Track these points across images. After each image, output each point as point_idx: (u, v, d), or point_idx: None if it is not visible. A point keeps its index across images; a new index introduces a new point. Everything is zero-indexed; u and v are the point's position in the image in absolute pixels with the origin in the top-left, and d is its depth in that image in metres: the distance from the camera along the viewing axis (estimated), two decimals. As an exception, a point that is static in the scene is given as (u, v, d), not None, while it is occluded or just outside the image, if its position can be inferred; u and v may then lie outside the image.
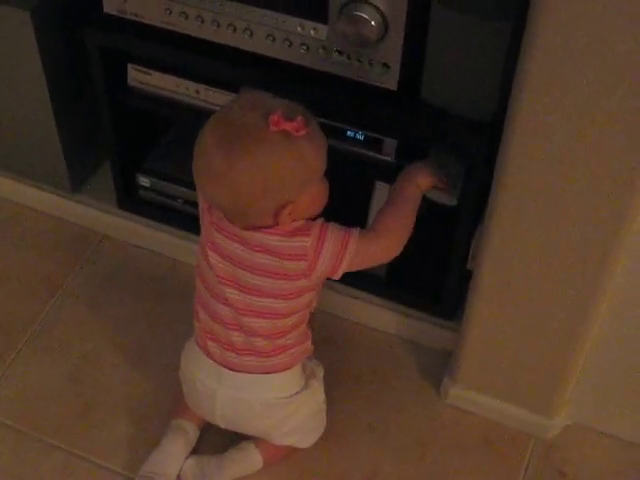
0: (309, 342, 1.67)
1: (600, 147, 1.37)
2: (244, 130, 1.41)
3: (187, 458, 1.75)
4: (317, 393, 1.73)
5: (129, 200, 2.09)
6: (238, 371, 1.63)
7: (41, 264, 2.11)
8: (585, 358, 1.72)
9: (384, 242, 1.58)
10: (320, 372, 1.75)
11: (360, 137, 1.71)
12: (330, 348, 1.96)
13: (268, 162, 1.41)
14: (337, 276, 1.53)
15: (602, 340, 1.68)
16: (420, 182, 1.61)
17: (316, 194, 1.51)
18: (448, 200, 1.64)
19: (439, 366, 1.93)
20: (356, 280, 1.93)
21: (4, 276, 2.09)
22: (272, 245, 1.50)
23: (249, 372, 1.63)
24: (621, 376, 1.75)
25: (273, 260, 1.51)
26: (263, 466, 1.77)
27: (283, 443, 1.74)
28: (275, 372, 1.64)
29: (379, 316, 1.98)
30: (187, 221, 2.03)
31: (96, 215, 2.14)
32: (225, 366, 1.64)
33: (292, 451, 1.78)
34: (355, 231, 1.53)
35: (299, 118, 1.41)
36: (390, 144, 1.70)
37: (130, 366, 1.93)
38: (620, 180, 1.39)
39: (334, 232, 1.51)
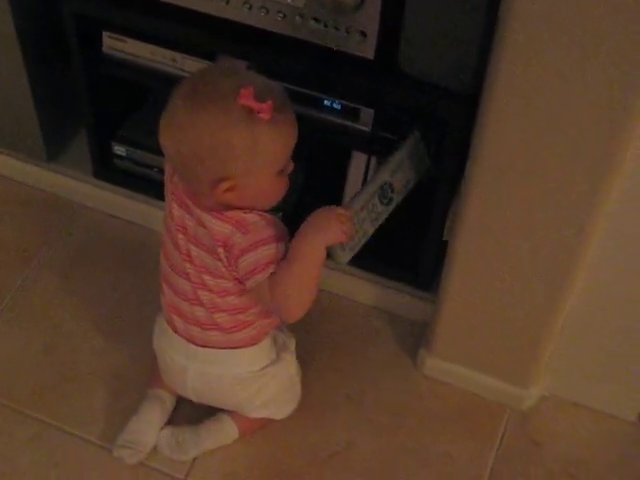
0: (274, 316, 1.62)
1: (578, 117, 1.36)
2: (214, 92, 1.39)
3: (162, 428, 1.74)
4: (289, 366, 1.72)
5: (105, 169, 2.07)
6: (205, 346, 1.62)
7: (15, 234, 2.09)
8: (561, 329, 1.72)
9: (282, 307, 1.51)
10: (292, 344, 1.73)
11: (337, 106, 1.70)
12: (306, 319, 1.94)
13: (220, 130, 1.38)
14: (249, 283, 1.47)
15: (578, 312, 1.69)
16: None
17: (266, 185, 1.45)
18: (340, 256, 1.59)
19: (416, 337, 1.93)
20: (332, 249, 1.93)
21: (-22, 246, 2.08)
22: (208, 224, 1.47)
23: (216, 347, 1.62)
24: (596, 348, 1.75)
25: (203, 232, 1.49)
26: (239, 436, 1.77)
27: (256, 416, 1.74)
28: (242, 347, 1.62)
29: (356, 287, 1.98)
30: (162, 190, 2.00)
31: (72, 184, 2.13)
32: (191, 341, 1.63)
33: (268, 422, 1.77)
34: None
35: (269, 102, 1.38)
36: (367, 114, 1.69)
37: (105, 337, 1.92)
38: (598, 151, 1.39)
39: (265, 253, 1.45)
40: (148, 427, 1.74)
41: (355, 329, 1.96)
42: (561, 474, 1.77)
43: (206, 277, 1.53)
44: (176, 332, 1.64)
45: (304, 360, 1.84)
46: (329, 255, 1.52)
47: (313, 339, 1.92)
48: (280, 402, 1.75)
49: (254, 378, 1.66)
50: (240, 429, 1.76)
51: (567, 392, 1.86)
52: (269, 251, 1.46)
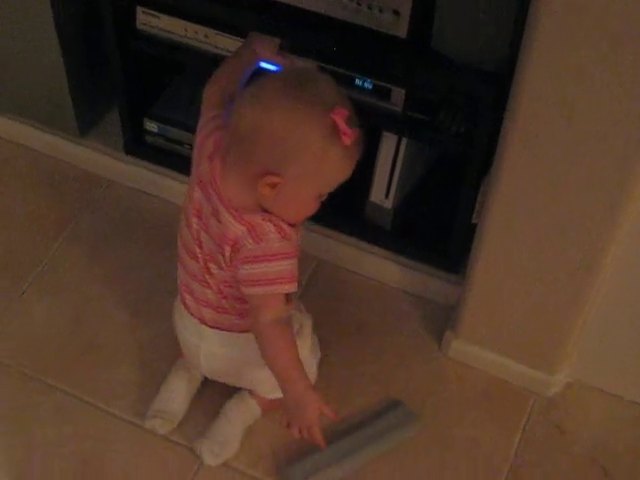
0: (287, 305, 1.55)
1: (611, 95, 1.35)
2: (316, 95, 1.38)
3: (199, 444, 1.73)
4: (302, 347, 1.66)
5: (136, 145, 2.08)
6: (217, 328, 1.62)
7: (48, 207, 2.11)
8: (588, 315, 1.71)
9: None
10: (308, 325, 1.71)
11: (368, 86, 1.70)
12: (333, 299, 1.96)
13: (302, 128, 1.37)
14: (244, 289, 1.48)
15: (605, 298, 1.68)
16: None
17: (302, 200, 1.45)
18: None
19: (443, 320, 1.92)
20: (361, 231, 1.93)
21: (11, 218, 2.09)
22: (223, 220, 1.46)
23: (228, 330, 1.61)
24: (623, 335, 1.74)
25: (217, 225, 1.48)
26: (261, 414, 1.77)
27: (272, 397, 1.72)
28: (247, 331, 1.59)
29: (384, 268, 1.97)
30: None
31: (103, 160, 2.14)
32: (204, 322, 1.62)
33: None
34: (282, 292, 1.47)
35: (356, 132, 1.39)
36: (398, 93, 1.68)
37: (133, 310, 1.93)
38: (632, 132, 1.37)
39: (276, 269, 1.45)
40: (178, 396, 1.75)
41: (382, 311, 1.96)
42: (585, 461, 1.77)
43: (211, 265, 1.53)
44: (189, 311, 1.64)
45: (329, 341, 1.84)
46: None
47: (339, 320, 1.92)
48: None
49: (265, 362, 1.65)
50: (262, 406, 1.77)
51: (593, 379, 1.84)
52: (276, 268, 1.45)
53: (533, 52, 1.36)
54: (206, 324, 1.62)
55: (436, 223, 1.93)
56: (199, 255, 1.55)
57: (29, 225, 2.08)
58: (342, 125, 1.36)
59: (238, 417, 1.75)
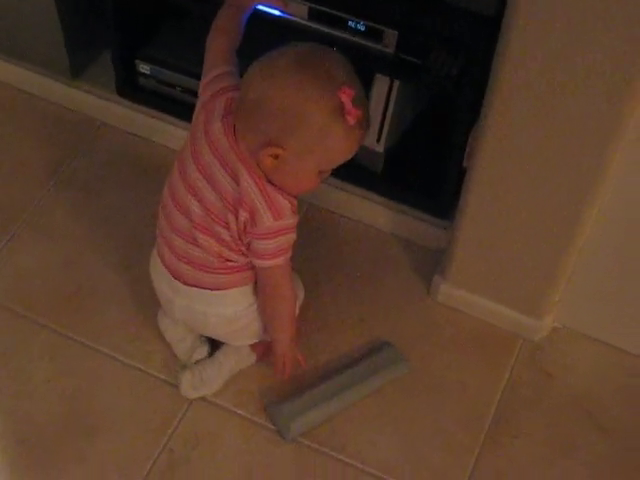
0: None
1: (598, 45, 1.35)
2: (325, 73, 1.41)
3: (182, 371, 1.74)
4: None
5: (128, 87, 2.07)
6: (192, 285, 1.63)
7: (39, 149, 2.11)
8: (576, 261, 1.72)
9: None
10: None
11: (361, 27, 1.69)
12: (323, 243, 1.96)
13: (308, 103, 1.40)
14: (257, 262, 1.55)
15: (593, 244, 1.68)
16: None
17: (303, 174, 1.48)
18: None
19: (433, 265, 1.93)
20: (352, 175, 1.93)
21: (1, 160, 2.09)
22: (243, 183, 1.49)
23: (202, 287, 1.62)
24: (610, 281, 1.75)
25: (232, 186, 1.50)
26: (257, 359, 1.79)
27: (248, 343, 1.75)
28: (231, 288, 1.63)
29: (374, 212, 1.98)
30: (185, 110, 2.00)
31: (95, 102, 2.13)
32: (178, 278, 1.63)
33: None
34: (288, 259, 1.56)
35: (361, 112, 1.42)
36: (391, 35, 1.68)
37: (124, 253, 1.94)
38: (619, 76, 1.38)
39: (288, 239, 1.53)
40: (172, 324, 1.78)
41: (372, 254, 1.97)
42: (571, 405, 1.79)
43: (213, 223, 1.54)
44: (164, 264, 1.65)
45: (319, 281, 1.86)
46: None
47: (329, 262, 1.93)
48: None
49: (240, 316, 1.67)
50: (257, 353, 1.78)
51: (581, 325, 1.86)
52: (286, 239, 1.52)
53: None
54: (181, 280, 1.63)
55: (427, 168, 1.93)
56: (196, 210, 1.55)
57: (20, 168, 2.07)
58: (348, 104, 1.39)
59: (229, 362, 1.76)
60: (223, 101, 1.52)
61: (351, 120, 1.41)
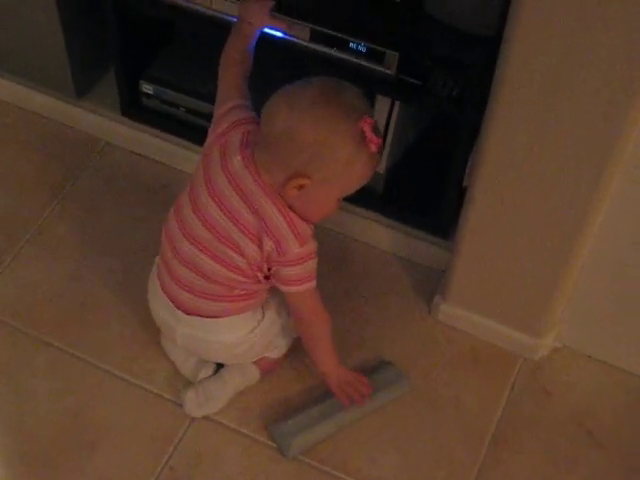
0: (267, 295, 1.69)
1: (596, 66, 1.37)
2: (346, 104, 1.47)
3: (186, 391, 1.75)
4: (275, 318, 1.72)
5: (133, 107, 2.09)
6: (192, 314, 1.65)
7: (44, 168, 2.12)
8: (576, 281, 1.73)
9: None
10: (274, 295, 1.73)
11: (362, 49, 1.71)
12: (324, 263, 1.96)
13: (334, 135, 1.45)
14: (285, 288, 1.58)
15: (593, 263, 1.69)
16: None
17: (326, 202, 1.54)
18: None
19: (433, 284, 1.94)
20: (353, 196, 1.93)
21: (7, 178, 2.11)
22: (268, 212, 1.52)
23: (201, 315, 1.64)
24: (611, 301, 1.76)
25: (252, 216, 1.52)
26: (260, 377, 1.80)
27: (252, 361, 1.77)
28: (230, 315, 1.65)
29: (375, 232, 1.99)
30: (189, 130, 2.04)
31: (99, 122, 2.15)
32: (177, 305, 1.65)
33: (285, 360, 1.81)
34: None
35: (380, 140, 1.48)
36: (392, 57, 1.69)
37: (127, 270, 1.95)
38: (616, 97, 1.39)
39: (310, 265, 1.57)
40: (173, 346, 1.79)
41: (372, 274, 1.98)
42: (570, 423, 1.79)
43: (227, 250, 1.55)
44: (163, 289, 1.67)
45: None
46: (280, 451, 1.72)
47: (330, 282, 1.94)
48: (275, 346, 1.77)
49: (242, 342, 1.69)
50: (261, 369, 1.79)
51: (580, 344, 1.87)
52: (313, 264, 1.57)
53: (522, 15, 1.37)
54: (182, 309, 1.65)
55: (428, 188, 1.95)
56: (207, 237, 1.57)
57: (25, 186, 2.09)
58: (369, 133, 1.46)
59: (234, 380, 1.77)
60: (239, 134, 1.56)
61: (373, 147, 1.47)
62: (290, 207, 1.52)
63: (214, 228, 1.56)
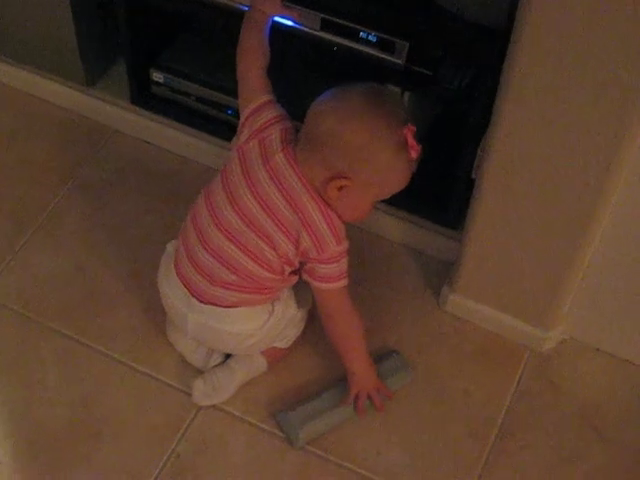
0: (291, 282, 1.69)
1: (609, 51, 1.36)
2: (391, 112, 1.52)
3: (194, 381, 1.75)
4: (286, 311, 1.72)
5: (142, 96, 2.09)
6: (207, 303, 1.65)
7: (53, 156, 2.13)
8: (584, 273, 1.73)
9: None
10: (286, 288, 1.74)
11: (372, 38, 1.70)
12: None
13: (379, 140, 1.50)
14: (318, 284, 1.61)
15: (601, 256, 1.69)
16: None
17: (364, 203, 1.57)
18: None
19: (441, 276, 1.94)
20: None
21: (16, 166, 2.11)
22: (304, 204, 1.54)
23: (216, 305, 1.65)
24: (619, 294, 1.76)
25: (290, 213, 1.54)
26: (268, 367, 1.80)
27: (260, 351, 1.77)
28: (244, 306, 1.65)
29: (384, 224, 1.99)
30: (198, 118, 2.04)
31: (109, 110, 2.15)
32: (193, 294, 1.66)
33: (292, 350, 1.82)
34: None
35: (420, 147, 1.53)
36: (402, 46, 1.69)
37: (135, 258, 1.96)
38: (629, 87, 1.39)
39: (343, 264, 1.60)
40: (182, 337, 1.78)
41: (381, 265, 1.98)
42: (576, 416, 1.79)
43: (260, 242, 1.57)
44: (180, 278, 1.67)
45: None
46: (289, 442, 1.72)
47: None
48: (283, 337, 1.77)
49: (254, 334, 1.69)
50: (269, 359, 1.79)
51: (588, 337, 1.86)
52: (345, 262, 1.61)
53: (532, 5, 1.37)
54: (196, 296, 1.65)
55: (437, 179, 1.94)
56: (240, 232, 1.58)
57: (34, 173, 2.10)
58: (411, 140, 1.51)
59: (242, 370, 1.77)
60: (278, 131, 1.58)
61: (414, 154, 1.52)
62: (330, 207, 1.55)
63: (249, 220, 1.57)
